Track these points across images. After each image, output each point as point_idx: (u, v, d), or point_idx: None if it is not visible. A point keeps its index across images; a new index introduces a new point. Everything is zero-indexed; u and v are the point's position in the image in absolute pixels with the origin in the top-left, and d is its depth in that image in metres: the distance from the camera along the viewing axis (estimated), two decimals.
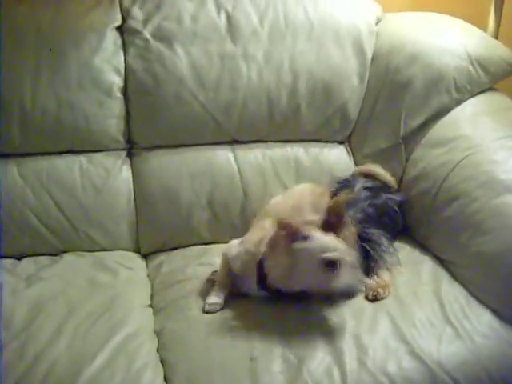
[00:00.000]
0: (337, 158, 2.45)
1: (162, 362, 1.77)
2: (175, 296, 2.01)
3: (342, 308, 1.88)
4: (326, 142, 2.47)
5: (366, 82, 2.43)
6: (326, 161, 2.43)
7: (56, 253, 2.23)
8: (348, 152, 2.48)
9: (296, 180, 2.36)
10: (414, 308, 1.87)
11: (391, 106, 2.37)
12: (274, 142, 2.42)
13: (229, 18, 2.32)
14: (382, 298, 1.91)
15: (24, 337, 1.78)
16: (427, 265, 2.09)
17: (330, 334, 1.79)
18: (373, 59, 2.43)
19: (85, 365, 1.68)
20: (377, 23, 2.48)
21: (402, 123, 2.33)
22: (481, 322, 1.82)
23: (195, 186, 2.30)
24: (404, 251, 2.16)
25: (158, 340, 1.84)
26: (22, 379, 1.65)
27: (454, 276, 2.01)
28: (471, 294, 1.91)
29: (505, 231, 1.91)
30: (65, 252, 2.23)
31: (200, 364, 1.73)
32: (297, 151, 2.42)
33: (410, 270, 2.06)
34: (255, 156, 2.38)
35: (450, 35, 2.42)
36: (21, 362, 1.70)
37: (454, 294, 1.93)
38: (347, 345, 1.75)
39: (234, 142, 2.39)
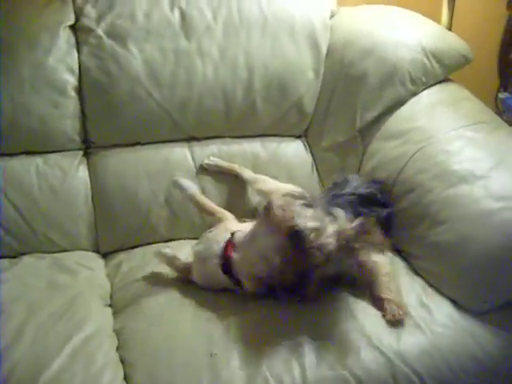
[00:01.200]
0: (294, 153, 2.46)
1: (121, 361, 1.77)
2: (135, 295, 2.00)
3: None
4: (283, 136, 2.48)
5: (322, 76, 2.44)
6: (284, 155, 2.44)
7: (15, 255, 2.21)
8: (305, 146, 2.48)
9: None
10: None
11: (347, 99, 2.38)
12: (231, 137, 2.42)
13: (182, 14, 2.32)
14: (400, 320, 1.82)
15: None
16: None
17: (288, 327, 1.80)
18: (327, 53, 2.44)
19: (44, 367, 1.67)
20: (331, 17, 2.48)
21: (357, 116, 2.33)
22: (440, 313, 1.83)
23: (153, 184, 2.30)
24: None
25: (118, 339, 1.84)
26: None
27: (412, 267, 2.03)
28: (429, 284, 1.93)
29: (460, 221, 1.91)
30: (23, 254, 2.22)
31: (161, 361, 1.73)
32: (254, 147, 2.43)
33: None
34: (212, 152, 2.38)
35: (404, 28, 2.43)
36: None
37: (412, 284, 1.94)
38: (306, 338, 1.76)
39: (190, 138, 2.39)
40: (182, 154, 2.36)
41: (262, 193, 2.22)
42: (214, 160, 2.35)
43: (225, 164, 2.35)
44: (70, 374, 1.67)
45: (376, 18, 2.51)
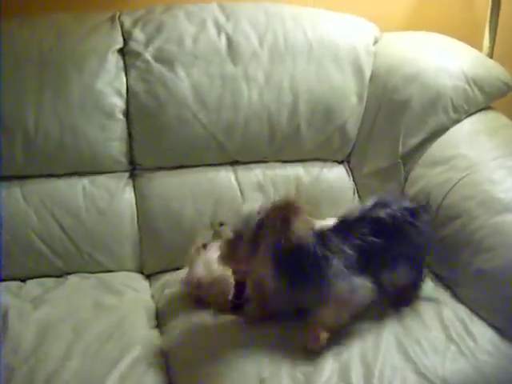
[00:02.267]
0: (336, 178, 2.47)
1: None
2: (180, 317, 2.01)
3: (347, 326, 1.90)
4: (326, 161, 2.49)
5: (365, 101, 2.46)
6: (326, 180, 2.45)
7: (60, 274, 2.23)
8: (347, 171, 2.50)
9: None
10: (416, 326, 1.89)
11: (390, 125, 2.39)
12: (275, 161, 2.44)
13: (229, 40, 2.34)
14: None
15: (33, 361, 1.78)
16: (427, 283, 2.10)
17: (336, 351, 1.80)
18: (371, 79, 2.46)
19: None
20: (374, 43, 2.51)
21: (400, 142, 2.34)
22: (484, 340, 1.82)
23: (198, 206, 2.32)
24: None
25: (166, 362, 1.85)
26: None
27: (455, 294, 2.02)
28: (473, 311, 1.92)
29: (506, 249, 1.91)
30: (69, 274, 2.24)
31: None
32: (297, 171, 2.44)
33: None
34: (256, 176, 2.40)
35: (446, 55, 2.44)
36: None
37: (455, 312, 1.94)
38: (353, 363, 1.76)
39: (234, 162, 2.41)
40: (226, 178, 2.38)
41: None
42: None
43: None
44: None
45: (419, 44, 2.52)
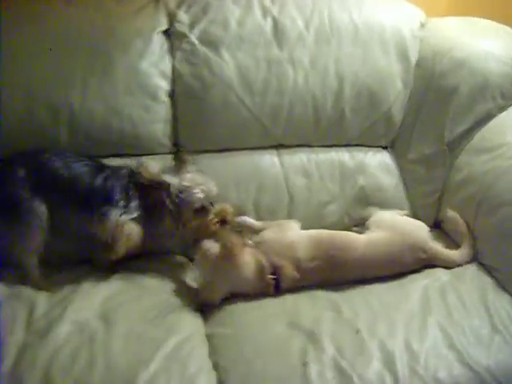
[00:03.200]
0: (381, 163, 2.46)
1: (214, 366, 1.78)
2: (224, 301, 2.01)
3: (391, 314, 1.90)
4: (370, 146, 2.48)
5: (410, 86, 2.43)
6: (371, 165, 2.44)
7: None
8: (392, 157, 2.48)
9: (341, 184, 2.38)
10: (461, 315, 1.90)
11: (436, 111, 2.37)
12: (319, 146, 2.43)
13: (275, 22, 2.32)
14: None
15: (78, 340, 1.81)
16: (471, 270, 2.11)
17: (380, 339, 1.81)
18: (417, 64, 2.43)
19: (140, 369, 1.70)
20: (421, 28, 2.47)
21: (446, 129, 2.33)
22: None
23: (241, 190, 2.32)
24: None
25: (209, 345, 1.86)
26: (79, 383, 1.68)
27: (499, 282, 2.02)
28: None
29: None
30: None
31: (253, 369, 1.75)
32: (341, 156, 2.43)
33: (454, 276, 2.08)
34: (301, 160, 2.39)
35: (493, 40, 2.42)
36: (76, 364, 1.72)
37: (500, 301, 1.95)
38: (398, 351, 1.78)
39: (279, 146, 2.40)
40: (270, 161, 2.37)
41: None
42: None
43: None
44: (166, 377, 1.70)
45: (465, 29, 2.50)
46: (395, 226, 2.21)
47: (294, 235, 2.13)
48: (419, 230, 2.21)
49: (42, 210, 1.99)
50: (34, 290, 1.99)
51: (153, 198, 2.01)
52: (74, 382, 1.67)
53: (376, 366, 1.74)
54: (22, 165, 2.01)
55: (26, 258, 2.01)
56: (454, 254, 2.15)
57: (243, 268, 2.00)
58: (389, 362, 1.74)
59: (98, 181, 2.03)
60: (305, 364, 1.74)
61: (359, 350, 1.78)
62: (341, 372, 1.71)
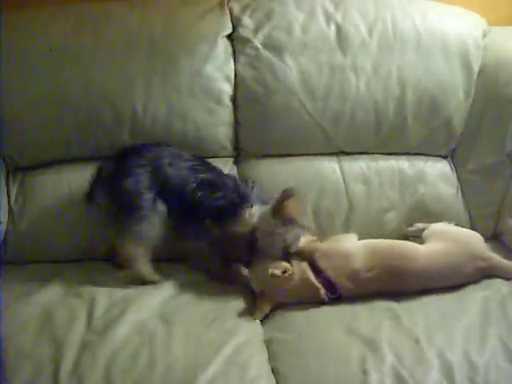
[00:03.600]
0: (440, 172, 2.44)
1: (273, 371, 1.79)
2: (282, 306, 2.04)
3: (451, 323, 1.89)
4: (430, 155, 2.46)
5: (472, 96, 2.41)
6: (430, 174, 2.42)
7: None
8: (451, 167, 2.46)
9: (400, 192, 2.37)
10: None
11: (498, 121, 2.34)
12: (379, 153, 2.42)
13: (338, 29, 2.32)
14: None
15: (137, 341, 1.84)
16: None
17: (439, 349, 1.80)
18: (479, 73, 2.41)
19: (200, 371, 1.72)
20: (483, 37, 2.45)
21: (508, 139, 2.31)
22: None
23: (301, 195, 2.29)
24: None
25: (268, 350, 1.87)
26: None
27: None
28: None
29: None
30: None
31: (313, 375, 1.75)
32: (401, 164, 2.42)
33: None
34: (361, 167, 2.39)
35: None
36: (136, 365, 1.75)
37: None
38: (457, 362, 1.76)
39: (340, 152, 2.41)
40: (330, 168, 2.38)
41: None
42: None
43: None
44: (225, 381, 1.71)
45: None
46: (452, 236, 2.19)
47: (351, 245, 2.13)
48: (475, 239, 2.20)
49: (163, 208, 2.08)
50: (94, 288, 2.03)
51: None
52: (134, 383, 1.70)
53: (435, 375, 1.73)
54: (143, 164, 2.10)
55: (142, 253, 2.09)
56: None
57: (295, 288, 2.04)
58: (448, 373, 1.73)
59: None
60: (365, 372, 1.74)
61: (418, 359, 1.77)
62: (400, 381, 1.71)
